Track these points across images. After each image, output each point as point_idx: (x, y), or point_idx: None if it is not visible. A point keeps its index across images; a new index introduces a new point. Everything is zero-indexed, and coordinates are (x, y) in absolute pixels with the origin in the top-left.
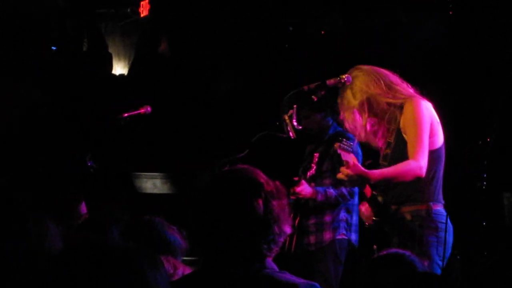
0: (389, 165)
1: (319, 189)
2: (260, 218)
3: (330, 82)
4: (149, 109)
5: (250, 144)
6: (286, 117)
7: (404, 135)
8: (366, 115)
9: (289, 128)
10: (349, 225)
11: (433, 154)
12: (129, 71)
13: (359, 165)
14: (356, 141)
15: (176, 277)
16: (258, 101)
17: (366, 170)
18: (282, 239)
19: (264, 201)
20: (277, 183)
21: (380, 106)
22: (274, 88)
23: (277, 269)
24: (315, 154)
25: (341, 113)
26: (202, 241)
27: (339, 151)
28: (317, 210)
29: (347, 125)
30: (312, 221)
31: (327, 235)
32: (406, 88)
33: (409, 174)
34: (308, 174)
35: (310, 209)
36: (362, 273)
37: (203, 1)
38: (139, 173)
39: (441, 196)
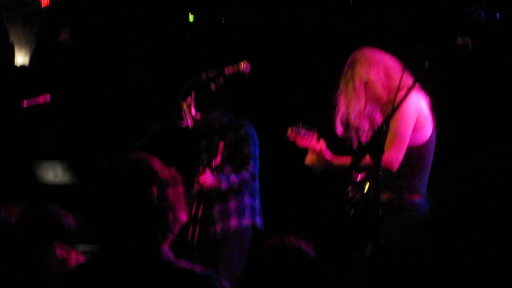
0: None
1: (222, 177)
2: (154, 206)
3: (228, 70)
4: (48, 98)
5: (148, 132)
6: (185, 105)
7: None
8: (363, 101)
9: (187, 116)
10: (253, 209)
11: (418, 149)
12: (30, 60)
13: (326, 151)
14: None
15: (70, 262)
16: (160, 90)
17: (321, 158)
18: (177, 227)
19: (159, 189)
20: (173, 170)
21: (377, 94)
22: (176, 78)
23: (172, 257)
24: (221, 143)
25: (339, 94)
26: (97, 229)
27: (292, 137)
28: (220, 197)
29: (342, 108)
30: (216, 209)
31: (233, 222)
32: (404, 78)
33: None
34: (214, 163)
35: (213, 197)
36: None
37: None
38: (40, 161)
39: (423, 188)
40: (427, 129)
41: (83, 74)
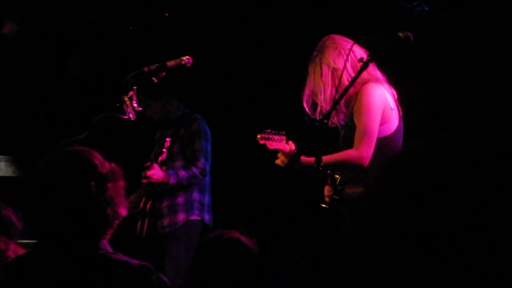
0: (343, 147)
1: (171, 172)
2: (93, 200)
3: (171, 63)
4: None
5: (90, 126)
6: (126, 98)
7: (355, 120)
8: (330, 88)
9: (129, 110)
10: (202, 205)
11: (384, 141)
12: None
13: (294, 152)
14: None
15: (8, 253)
16: (106, 83)
17: (292, 158)
18: (117, 222)
19: (98, 183)
20: (113, 165)
21: (342, 83)
22: (120, 71)
23: (111, 251)
24: (167, 139)
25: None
26: (36, 222)
27: (262, 142)
28: (169, 192)
29: (307, 91)
30: (165, 204)
31: (181, 216)
32: (371, 71)
33: (348, 163)
34: (160, 158)
35: (162, 192)
36: (196, 254)
37: None
38: None
39: None
40: (393, 122)
41: (25, 66)
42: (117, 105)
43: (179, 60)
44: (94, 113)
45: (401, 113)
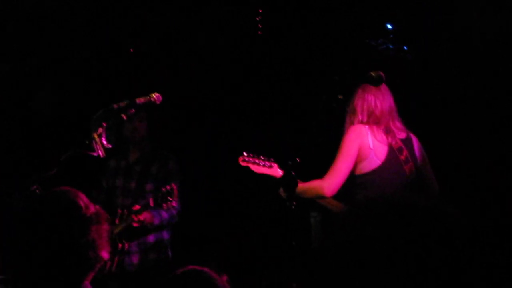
0: None
1: (154, 212)
2: (75, 242)
3: (140, 100)
4: None
5: (59, 163)
6: (96, 136)
7: None
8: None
9: (98, 147)
10: (169, 244)
11: (362, 178)
12: None
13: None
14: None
15: None
16: (70, 118)
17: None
18: (98, 265)
19: (81, 225)
20: (98, 207)
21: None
22: (86, 106)
23: None
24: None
25: None
26: (17, 262)
27: (244, 164)
28: (141, 231)
29: None
30: (135, 242)
31: (151, 256)
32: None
33: (312, 192)
34: (165, 206)
35: (134, 231)
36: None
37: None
38: None
39: None
40: (372, 160)
41: None
42: (86, 142)
43: (148, 97)
44: (62, 150)
45: (402, 157)
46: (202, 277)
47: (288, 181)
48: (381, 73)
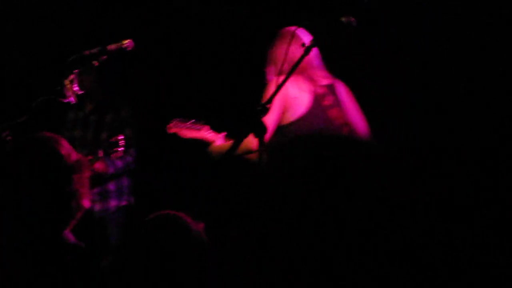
0: None
1: (108, 162)
2: (57, 191)
3: (111, 47)
4: None
5: (31, 109)
6: (67, 82)
7: None
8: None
9: (70, 93)
10: (129, 189)
11: (288, 127)
12: None
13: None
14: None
15: None
16: (39, 65)
17: (212, 146)
18: (79, 213)
19: (63, 173)
20: (80, 156)
21: (283, 69)
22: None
23: (73, 239)
24: (120, 137)
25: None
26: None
27: (172, 131)
28: (99, 179)
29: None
30: (96, 190)
31: (113, 203)
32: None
33: (242, 148)
34: (113, 155)
35: (93, 179)
36: (133, 236)
37: None
38: None
39: None
40: (296, 109)
41: None
42: (58, 88)
43: (120, 43)
44: (34, 96)
45: (326, 102)
46: (176, 222)
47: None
48: (352, 19)
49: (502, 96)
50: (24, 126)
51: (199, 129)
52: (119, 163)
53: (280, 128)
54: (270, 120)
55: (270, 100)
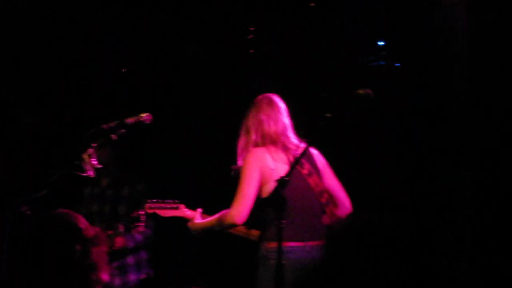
0: None
1: (128, 236)
2: (78, 264)
3: (130, 120)
4: None
5: (49, 183)
6: (85, 156)
7: None
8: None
9: (88, 167)
10: (147, 262)
11: (262, 200)
12: None
13: (198, 217)
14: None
15: None
16: (57, 138)
17: (191, 224)
18: (98, 287)
19: (83, 247)
20: (98, 230)
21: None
22: (76, 126)
23: None
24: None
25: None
26: (19, 284)
27: (150, 211)
28: (119, 253)
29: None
30: (115, 264)
31: (132, 277)
32: (262, 132)
33: (223, 223)
34: (134, 230)
35: (112, 253)
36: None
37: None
38: None
39: (289, 234)
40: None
41: None
42: (76, 162)
43: (138, 116)
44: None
45: (304, 171)
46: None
47: (276, 199)
48: (369, 91)
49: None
50: (43, 200)
51: (175, 208)
52: (139, 237)
53: (260, 201)
54: (249, 192)
55: (289, 174)
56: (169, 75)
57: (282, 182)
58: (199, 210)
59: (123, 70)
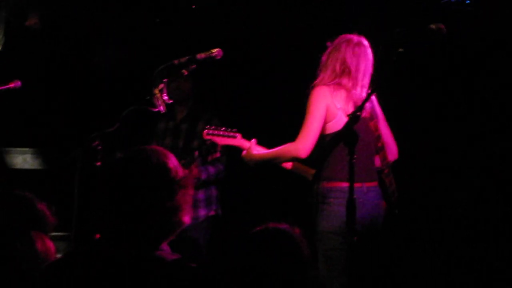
0: None
1: (201, 167)
2: (162, 205)
3: (201, 56)
4: (18, 83)
5: (120, 118)
6: (157, 91)
7: None
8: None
9: (159, 102)
10: (217, 199)
11: (331, 136)
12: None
13: (254, 148)
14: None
15: (49, 253)
16: (130, 74)
17: (247, 154)
18: (179, 229)
19: (169, 187)
20: (186, 171)
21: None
22: (146, 62)
23: (169, 251)
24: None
25: None
26: (101, 219)
27: (207, 137)
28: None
29: None
30: None
31: (202, 212)
32: (337, 71)
33: (286, 155)
34: (210, 158)
35: None
36: (240, 250)
37: None
38: (9, 148)
39: (343, 174)
40: (340, 119)
41: (52, 59)
42: (147, 97)
43: (209, 52)
44: (123, 106)
45: (365, 114)
46: (284, 235)
47: (349, 134)
48: (442, 26)
49: None
50: (114, 135)
51: (233, 137)
52: (212, 170)
53: (323, 137)
54: (314, 127)
55: (360, 108)
56: (240, 10)
57: (354, 117)
58: (254, 140)
59: (193, 7)
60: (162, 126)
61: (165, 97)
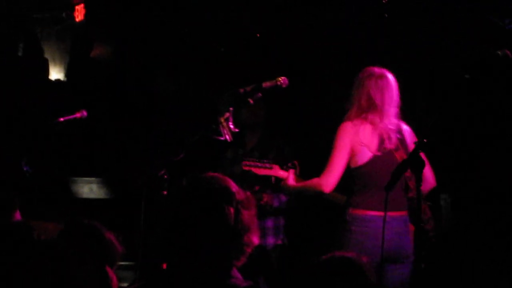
0: None
1: (274, 195)
2: (231, 227)
3: (266, 84)
4: (85, 113)
5: (186, 147)
6: (223, 120)
7: None
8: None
9: (225, 131)
10: (283, 229)
11: (357, 170)
12: (65, 76)
13: (291, 179)
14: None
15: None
16: (193, 102)
17: (284, 184)
18: (249, 250)
19: (235, 210)
20: (248, 193)
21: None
22: (208, 90)
23: (241, 279)
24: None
25: None
26: (170, 246)
27: (245, 168)
28: (261, 212)
29: None
30: None
31: (270, 240)
32: (363, 106)
33: (311, 190)
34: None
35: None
36: (307, 279)
37: (139, 5)
38: (75, 178)
39: (372, 204)
40: (364, 153)
41: (117, 88)
42: (213, 126)
43: (275, 80)
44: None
45: (389, 146)
46: (352, 263)
47: (415, 161)
48: (507, 51)
49: None
50: (180, 164)
51: (269, 168)
52: (284, 198)
53: (349, 171)
54: (338, 163)
55: (428, 136)
56: (304, 38)
57: (421, 144)
58: (292, 171)
59: (257, 35)
60: (230, 154)
61: (231, 126)
